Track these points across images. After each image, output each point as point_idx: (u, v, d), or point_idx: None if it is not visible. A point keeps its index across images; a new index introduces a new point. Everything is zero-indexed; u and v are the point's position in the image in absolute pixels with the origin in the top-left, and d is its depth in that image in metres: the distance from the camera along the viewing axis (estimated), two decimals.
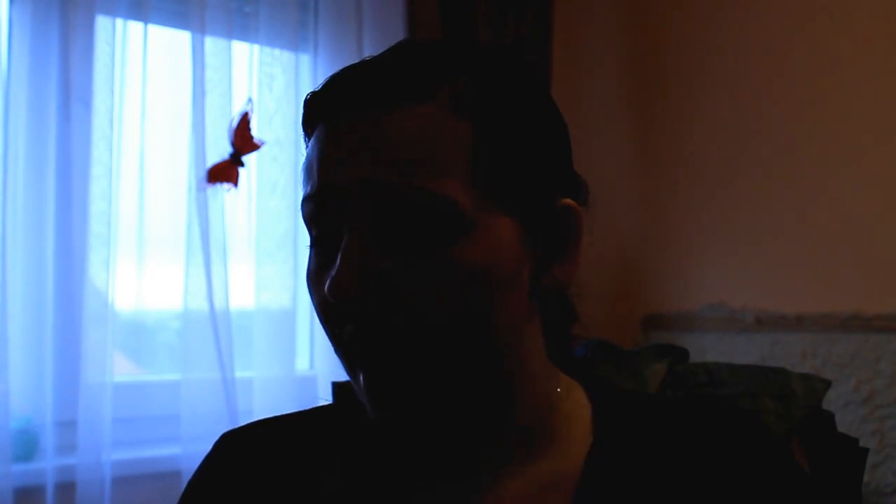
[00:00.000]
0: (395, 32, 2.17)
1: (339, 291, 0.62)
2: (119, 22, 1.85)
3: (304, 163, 0.69)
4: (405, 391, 0.65)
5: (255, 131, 1.94)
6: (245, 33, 2.04)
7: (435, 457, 0.72)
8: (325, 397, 0.85)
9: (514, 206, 0.66)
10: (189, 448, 1.84)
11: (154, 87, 1.90)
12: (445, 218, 0.63)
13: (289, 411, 0.82)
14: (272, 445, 0.78)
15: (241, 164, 1.92)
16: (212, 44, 1.92)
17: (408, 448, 0.73)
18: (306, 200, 0.67)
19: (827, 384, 0.92)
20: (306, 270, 0.69)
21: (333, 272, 0.63)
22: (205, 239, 1.87)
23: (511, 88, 0.69)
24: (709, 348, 2.19)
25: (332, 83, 0.68)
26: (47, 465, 1.73)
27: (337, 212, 0.65)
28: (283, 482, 0.75)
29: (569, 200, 0.70)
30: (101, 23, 1.82)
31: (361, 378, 0.65)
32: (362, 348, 0.64)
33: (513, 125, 0.67)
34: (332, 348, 0.68)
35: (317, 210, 0.66)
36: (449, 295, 0.63)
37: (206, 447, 0.81)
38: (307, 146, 0.69)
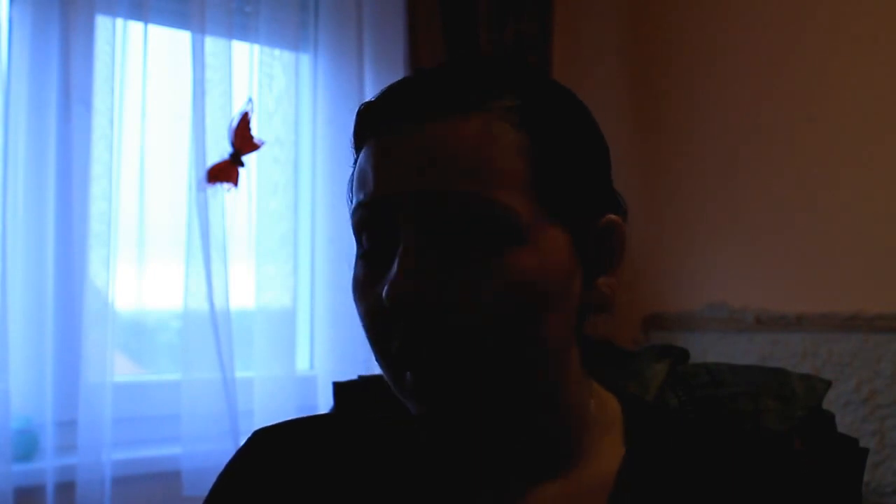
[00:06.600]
0: (395, 32, 2.18)
1: (396, 297, 0.62)
2: (119, 22, 1.85)
3: (357, 173, 0.69)
4: (453, 392, 0.65)
5: (255, 131, 1.94)
6: (245, 33, 2.04)
7: (469, 464, 0.72)
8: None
9: (567, 218, 0.67)
10: (189, 448, 1.83)
11: (154, 87, 1.90)
12: (503, 227, 0.63)
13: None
14: (305, 445, 0.78)
15: (241, 164, 1.93)
16: (212, 44, 1.92)
17: (441, 454, 0.74)
18: (360, 207, 0.67)
19: (827, 384, 0.92)
20: (353, 280, 0.69)
21: (391, 278, 0.63)
22: (205, 239, 1.87)
23: (560, 105, 0.70)
24: (709, 348, 2.19)
25: (387, 94, 0.68)
26: (47, 465, 1.73)
27: (391, 222, 0.65)
28: (315, 482, 0.76)
29: (614, 216, 0.71)
30: (101, 23, 1.82)
31: (409, 377, 0.65)
32: (413, 351, 0.64)
33: (565, 140, 0.68)
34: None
35: (371, 219, 0.67)
36: (503, 302, 0.63)
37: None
38: (357, 157, 0.70)
